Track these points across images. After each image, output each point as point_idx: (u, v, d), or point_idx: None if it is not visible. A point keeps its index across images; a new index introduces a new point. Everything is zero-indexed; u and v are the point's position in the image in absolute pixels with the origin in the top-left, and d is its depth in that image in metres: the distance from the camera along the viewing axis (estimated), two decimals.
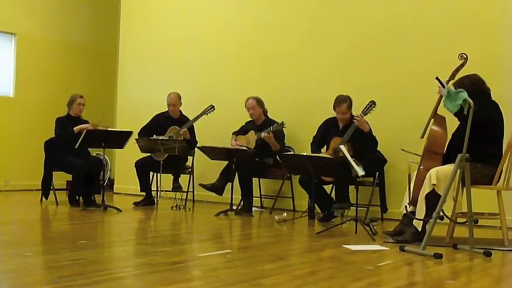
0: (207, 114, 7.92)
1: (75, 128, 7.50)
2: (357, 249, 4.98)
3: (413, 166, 5.48)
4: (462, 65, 5.48)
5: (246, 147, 7.58)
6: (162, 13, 9.70)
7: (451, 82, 5.41)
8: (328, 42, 7.94)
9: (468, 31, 6.91)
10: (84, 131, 7.16)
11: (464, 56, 5.44)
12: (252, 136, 7.68)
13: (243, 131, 7.90)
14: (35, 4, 10.09)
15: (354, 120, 6.57)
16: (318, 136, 7.18)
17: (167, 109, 8.15)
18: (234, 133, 7.96)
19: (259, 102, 7.77)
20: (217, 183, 7.66)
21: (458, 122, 5.40)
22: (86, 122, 7.74)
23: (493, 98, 5.47)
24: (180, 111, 8.18)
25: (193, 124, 7.94)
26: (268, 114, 7.84)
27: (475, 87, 5.30)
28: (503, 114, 5.41)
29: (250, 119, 7.89)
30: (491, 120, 5.31)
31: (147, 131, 8.02)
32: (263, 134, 7.40)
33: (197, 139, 8.04)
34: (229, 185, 7.35)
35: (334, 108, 6.92)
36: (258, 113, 7.76)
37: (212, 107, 7.93)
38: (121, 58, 10.21)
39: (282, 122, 7.38)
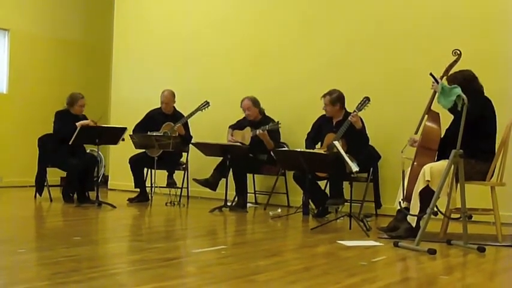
0: (202, 111, 7.91)
1: (77, 124, 7.32)
2: (351, 245, 4.99)
3: (407, 162, 5.48)
4: (456, 61, 5.49)
5: (241, 143, 7.58)
6: (156, 9, 9.68)
7: (445, 78, 5.42)
8: (323, 39, 7.94)
9: (462, 27, 6.92)
10: (78, 128, 7.13)
11: (458, 52, 5.45)
12: (247, 132, 7.67)
13: (239, 125, 7.89)
14: (28, 0, 10.05)
15: (349, 118, 6.58)
16: (311, 132, 7.18)
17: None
18: (230, 126, 7.95)
19: (255, 102, 7.75)
20: (211, 178, 7.66)
21: (452, 118, 5.42)
22: (85, 118, 7.69)
23: (485, 94, 5.48)
24: (174, 107, 8.17)
25: (188, 120, 7.93)
26: (265, 112, 7.83)
27: (467, 82, 5.30)
28: (495, 110, 5.42)
29: None
30: (483, 116, 5.32)
31: (141, 128, 8.01)
32: (258, 132, 7.39)
33: (192, 134, 8.03)
34: (223, 181, 7.36)
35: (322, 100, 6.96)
36: (254, 114, 7.75)
37: (207, 103, 7.92)
38: (115, 54, 10.18)
39: (278, 121, 7.37)
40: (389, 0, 7.52)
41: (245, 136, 7.70)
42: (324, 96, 6.92)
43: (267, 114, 7.78)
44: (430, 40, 7.09)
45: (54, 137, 7.60)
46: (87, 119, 7.59)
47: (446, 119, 5.46)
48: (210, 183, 7.66)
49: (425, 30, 7.16)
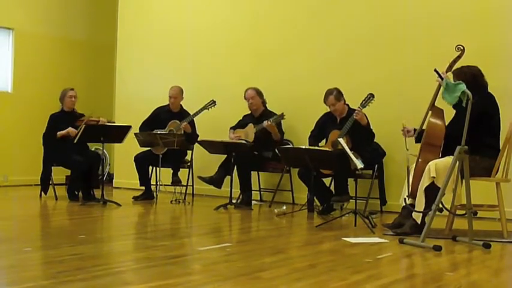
0: (208, 109, 7.92)
1: (58, 134, 7.54)
2: (356, 241, 4.99)
3: (411, 158, 5.48)
4: (459, 57, 5.47)
5: (245, 140, 7.58)
6: (159, 7, 9.68)
7: (449, 74, 5.41)
8: (327, 36, 7.93)
9: (466, 23, 6.90)
10: (83, 127, 7.16)
11: (461, 48, 5.43)
12: (250, 129, 7.67)
13: (240, 125, 7.89)
14: None
15: (354, 115, 6.57)
16: (315, 130, 7.18)
17: (167, 102, 8.15)
18: (231, 128, 7.95)
19: (259, 92, 7.77)
20: (216, 176, 7.66)
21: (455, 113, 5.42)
22: (81, 115, 7.74)
23: (489, 90, 5.47)
24: (181, 105, 8.18)
25: (194, 118, 7.94)
26: (267, 105, 7.85)
27: (474, 78, 5.30)
28: (499, 106, 5.41)
29: (248, 113, 7.89)
30: (486, 112, 5.31)
31: (148, 125, 8.03)
32: (266, 123, 7.38)
33: (198, 133, 8.04)
34: (228, 178, 7.35)
35: (325, 103, 6.94)
36: (257, 104, 7.76)
37: (213, 102, 7.93)
38: (119, 52, 10.19)
39: (282, 113, 7.38)
40: None
41: (248, 133, 7.69)
42: (327, 98, 6.89)
43: (271, 109, 7.78)
44: (433, 36, 7.07)
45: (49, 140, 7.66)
46: (81, 116, 7.68)
47: (451, 115, 5.45)
48: (215, 181, 7.65)
49: (430, 26, 7.14)
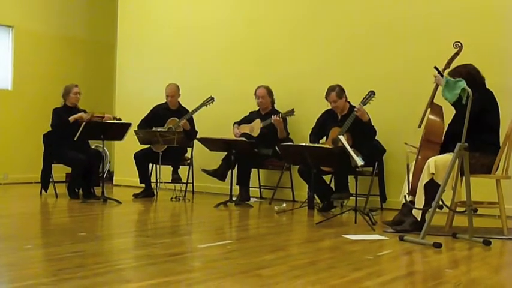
0: (207, 106, 7.93)
1: (70, 118, 7.52)
2: (357, 239, 4.99)
3: (411, 156, 5.48)
4: (457, 53, 5.48)
5: (248, 135, 7.59)
6: (159, 5, 9.68)
7: (447, 71, 5.41)
8: (326, 34, 7.92)
9: (466, 21, 6.89)
10: (83, 124, 7.16)
11: (459, 44, 5.43)
12: (257, 124, 7.68)
13: (246, 120, 7.91)
14: None
15: (355, 112, 6.56)
16: (316, 127, 7.18)
17: (165, 100, 8.15)
18: (236, 123, 7.95)
19: (269, 92, 7.82)
20: (220, 169, 7.66)
21: (455, 111, 5.41)
22: (84, 111, 7.74)
23: (488, 87, 5.47)
24: (179, 102, 8.17)
25: (193, 115, 7.94)
26: (275, 105, 7.87)
27: (471, 76, 5.30)
28: (498, 103, 5.41)
29: (254, 110, 7.92)
30: (485, 109, 5.30)
31: (147, 123, 8.04)
32: (274, 118, 7.39)
33: (197, 129, 8.04)
34: (228, 177, 7.34)
35: (326, 99, 6.94)
36: (266, 103, 7.80)
37: (212, 99, 7.93)
38: (119, 50, 10.19)
39: (292, 109, 7.38)
40: None
41: (254, 128, 7.71)
42: (328, 94, 6.90)
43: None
44: (434, 34, 7.06)
45: (57, 133, 7.63)
46: (84, 112, 7.66)
47: (449, 112, 5.45)
48: (219, 173, 7.65)
49: (429, 24, 7.13)
